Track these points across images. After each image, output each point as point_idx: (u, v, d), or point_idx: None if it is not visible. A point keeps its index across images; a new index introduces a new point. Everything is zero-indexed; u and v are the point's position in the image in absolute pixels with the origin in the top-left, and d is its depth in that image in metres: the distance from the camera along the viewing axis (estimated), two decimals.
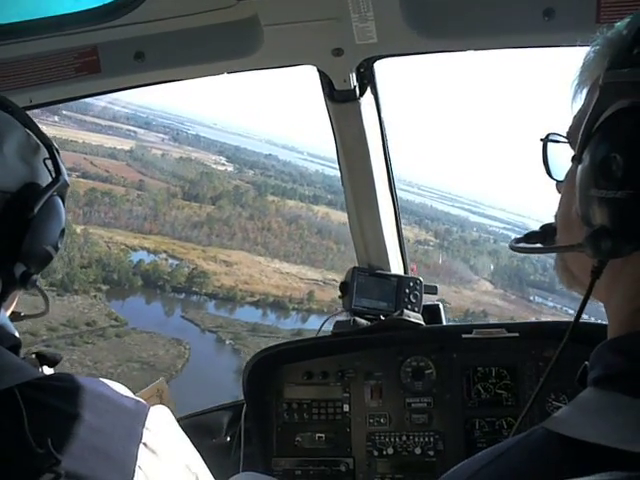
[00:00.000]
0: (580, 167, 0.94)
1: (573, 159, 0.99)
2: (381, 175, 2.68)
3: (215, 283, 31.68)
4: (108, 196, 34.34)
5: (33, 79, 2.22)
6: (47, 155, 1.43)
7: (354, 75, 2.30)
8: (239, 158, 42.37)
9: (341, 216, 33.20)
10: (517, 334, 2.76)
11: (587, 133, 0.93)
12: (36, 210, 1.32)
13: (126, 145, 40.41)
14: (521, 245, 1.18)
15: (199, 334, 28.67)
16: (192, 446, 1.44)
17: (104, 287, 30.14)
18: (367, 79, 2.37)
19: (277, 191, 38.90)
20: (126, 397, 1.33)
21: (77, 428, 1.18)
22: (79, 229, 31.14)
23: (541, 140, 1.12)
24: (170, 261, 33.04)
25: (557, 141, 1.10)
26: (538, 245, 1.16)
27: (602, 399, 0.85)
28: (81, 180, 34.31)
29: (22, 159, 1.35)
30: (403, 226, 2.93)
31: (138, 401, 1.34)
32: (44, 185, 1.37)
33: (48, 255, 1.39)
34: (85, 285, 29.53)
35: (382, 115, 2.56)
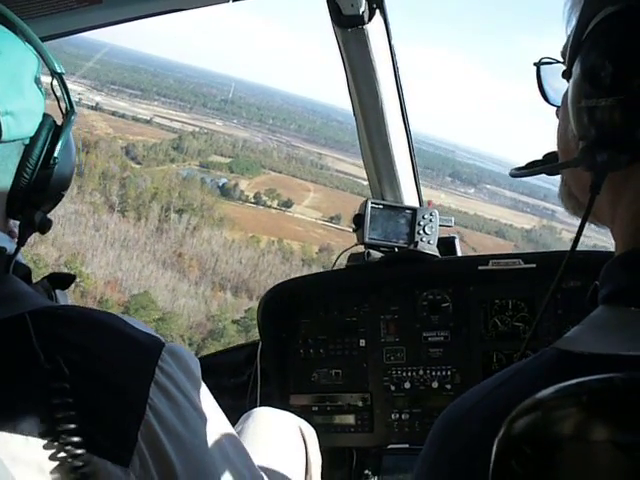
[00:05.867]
0: (571, 81, 0.92)
1: (563, 75, 0.97)
2: (393, 104, 2.59)
3: None
4: None
5: (30, 11, 2.15)
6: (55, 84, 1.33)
7: None
8: None
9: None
10: (534, 265, 2.71)
11: (575, 45, 0.91)
12: (57, 155, 1.27)
13: (531, 224, 36.99)
14: (518, 171, 1.15)
15: None
16: (207, 389, 1.35)
17: None
18: (376, 3, 2.28)
19: None
20: (141, 331, 1.24)
21: (86, 360, 1.14)
22: None
23: (534, 64, 1.10)
24: None
25: (550, 63, 1.08)
26: (535, 168, 1.12)
27: (611, 315, 0.85)
28: None
29: (37, 93, 1.27)
30: None
31: (154, 336, 1.26)
32: (58, 123, 1.30)
33: (61, 197, 1.36)
34: None
35: (392, 42, 2.47)
